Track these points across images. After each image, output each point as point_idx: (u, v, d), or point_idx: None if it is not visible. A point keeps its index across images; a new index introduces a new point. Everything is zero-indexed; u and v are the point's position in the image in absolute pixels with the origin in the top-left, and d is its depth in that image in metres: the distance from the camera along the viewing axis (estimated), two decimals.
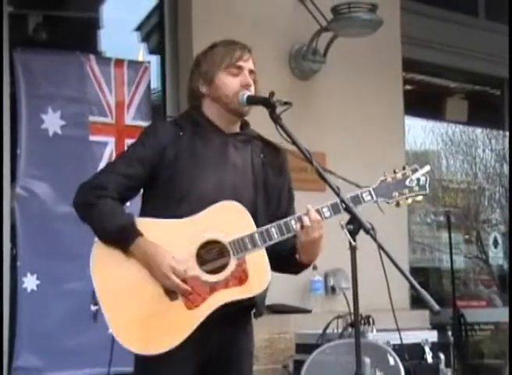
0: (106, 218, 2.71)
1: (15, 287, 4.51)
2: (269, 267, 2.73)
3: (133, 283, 2.69)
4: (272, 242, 2.72)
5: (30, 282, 4.50)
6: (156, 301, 2.67)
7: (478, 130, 7.86)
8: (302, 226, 2.70)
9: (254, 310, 2.84)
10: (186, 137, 2.82)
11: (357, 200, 2.76)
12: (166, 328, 2.66)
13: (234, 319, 2.77)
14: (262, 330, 4.67)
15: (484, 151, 7.84)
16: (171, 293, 2.68)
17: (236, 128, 2.92)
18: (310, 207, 2.74)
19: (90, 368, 4.53)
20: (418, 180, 2.83)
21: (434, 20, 6.66)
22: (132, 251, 2.69)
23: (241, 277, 2.69)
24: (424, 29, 6.52)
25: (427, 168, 2.86)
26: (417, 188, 2.82)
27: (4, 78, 4.60)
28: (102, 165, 4.63)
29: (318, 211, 2.73)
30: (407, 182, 2.82)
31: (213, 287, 2.68)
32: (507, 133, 7.42)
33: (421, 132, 7.52)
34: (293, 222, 2.73)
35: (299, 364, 4.37)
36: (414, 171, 2.84)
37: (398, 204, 2.83)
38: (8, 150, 4.60)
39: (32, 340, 4.46)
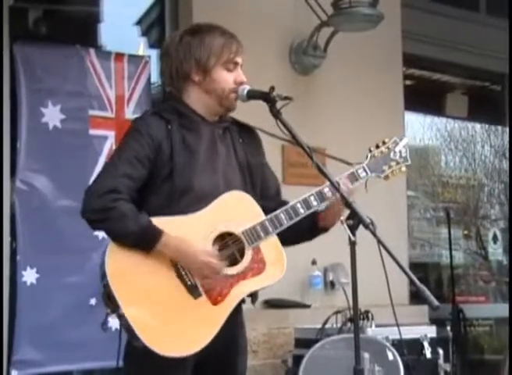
0: (128, 220, 2.62)
1: (14, 281, 4.51)
2: (284, 251, 2.75)
3: (154, 285, 2.63)
4: (282, 228, 2.73)
5: (29, 276, 4.49)
6: (180, 300, 2.63)
7: (478, 126, 7.86)
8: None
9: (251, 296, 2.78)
10: (175, 131, 2.77)
11: (353, 177, 2.85)
12: (195, 326, 2.62)
13: (231, 313, 2.71)
14: (261, 324, 4.67)
15: (483, 146, 7.84)
16: (193, 290, 2.64)
17: (217, 117, 2.89)
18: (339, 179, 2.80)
19: (89, 361, 4.56)
20: (400, 152, 2.92)
21: (435, 15, 6.65)
22: (159, 251, 2.62)
23: (259, 266, 2.69)
24: (425, 24, 6.51)
25: (406, 140, 2.96)
26: (401, 160, 2.93)
27: (4, 72, 4.59)
28: (102, 159, 4.64)
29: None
30: (392, 155, 2.92)
31: (234, 280, 2.67)
32: (507, 129, 7.42)
33: (420, 127, 7.53)
34: (298, 205, 2.75)
35: (298, 359, 4.37)
36: (396, 144, 2.93)
37: (387, 177, 2.92)
38: (8, 144, 4.60)
39: (31, 333, 4.45)
